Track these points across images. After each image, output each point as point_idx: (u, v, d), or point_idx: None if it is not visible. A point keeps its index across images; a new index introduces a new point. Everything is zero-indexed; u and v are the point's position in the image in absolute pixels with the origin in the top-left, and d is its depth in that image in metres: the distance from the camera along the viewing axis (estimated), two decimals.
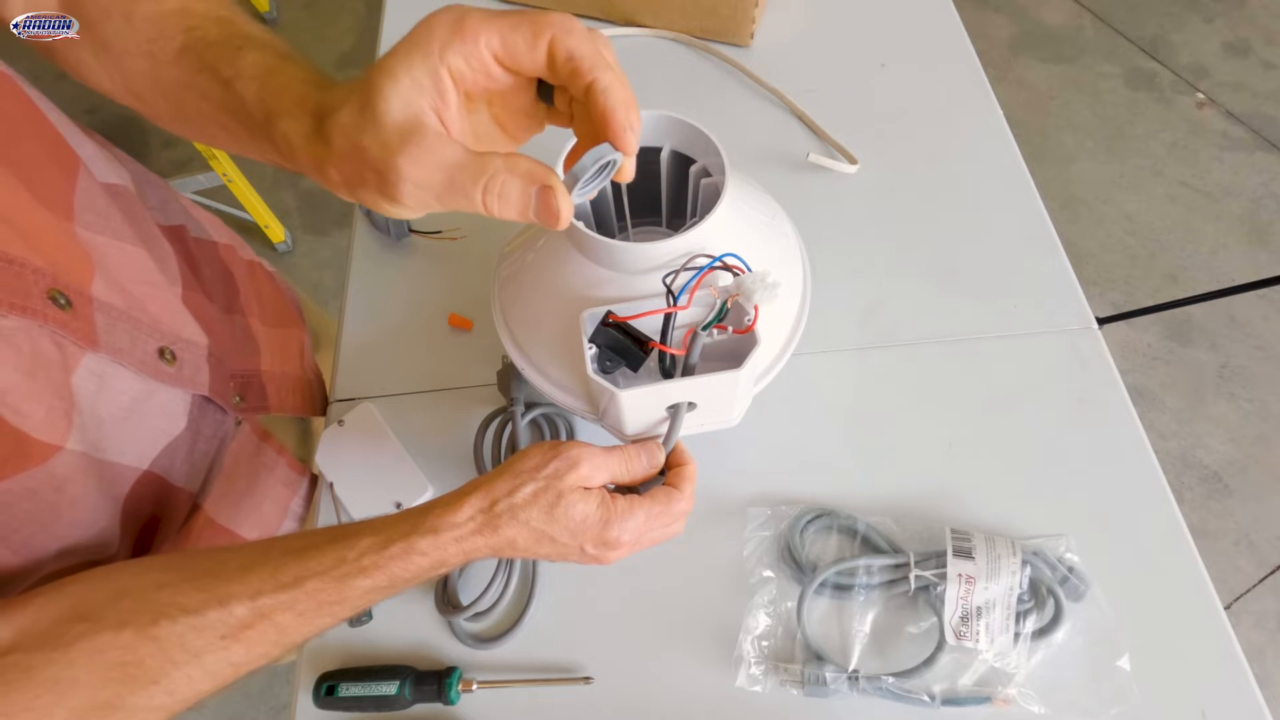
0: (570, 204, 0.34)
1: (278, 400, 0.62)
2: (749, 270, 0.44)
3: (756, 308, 0.45)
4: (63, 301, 0.39)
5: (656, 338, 0.45)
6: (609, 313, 0.46)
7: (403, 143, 0.32)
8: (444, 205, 0.33)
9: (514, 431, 0.60)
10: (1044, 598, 0.53)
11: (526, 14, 0.32)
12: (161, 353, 0.47)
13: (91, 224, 0.45)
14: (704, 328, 0.45)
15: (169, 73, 0.41)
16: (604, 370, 0.47)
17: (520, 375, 0.54)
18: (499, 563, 0.56)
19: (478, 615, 0.55)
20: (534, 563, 0.57)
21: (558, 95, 0.36)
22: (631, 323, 0.46)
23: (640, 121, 0.35)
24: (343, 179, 0.34)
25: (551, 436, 0.62)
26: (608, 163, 0.35)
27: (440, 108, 0.33)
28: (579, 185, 0.35)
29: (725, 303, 0.44)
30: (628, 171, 0.37)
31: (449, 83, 0.32)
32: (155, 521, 0.52)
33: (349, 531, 0.40)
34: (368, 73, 0.33)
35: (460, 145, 0.32)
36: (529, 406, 0.61)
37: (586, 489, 0.42)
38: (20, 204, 0.39)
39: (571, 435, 0.62)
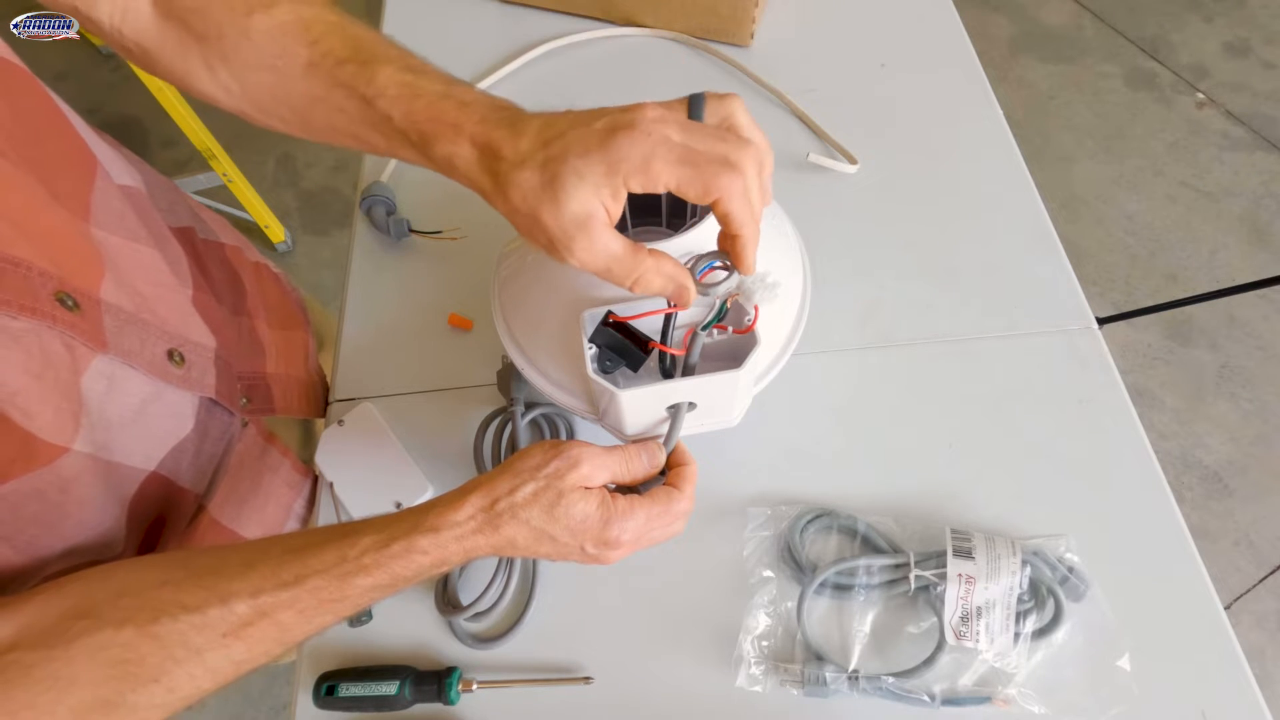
0: (694, 295, 0.42)
1: (283, 402, 0.62)
2: None
3: (756, 308, 0.45)
4: (70, 303, 0.39)
5: (656, 338, 0.45)
6: (609, 313, 0.46)
7: (577, 230, 0.37)
8: (596, 275, 0.39)
9: (514, 431, 0.60)
10: (1044, 598, 0.53)
11: (701, 169, 0.37)
12: (170, 355, 0.47)
13: (107, 224, 0.45)
14: (704, 328, 0.45)
15: (297, 87, 0.43)
16: (604, 370, 0.47)
17: (520, 375, 0.54)
18: (499, 562, 0.56)
19: (478, 615, 0.55)
20: (534, 562, 0.57)
21: None
22: (631, 323, 0.46)
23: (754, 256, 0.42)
24: (513, 222, 0.40)
25: (551, 436, 0.62)
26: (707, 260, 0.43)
27: (611, 208, 0.38)
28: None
29: (725, 303, 0.44)
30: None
31: (623, 194, 0.38)
32: (161, 522, 0.52)
33: (350, 530, 0.40)
34: (555, 155, 0.37)
35: (621, 240, 0.39)
36: (529, 406, 0.61)
37: (587, 489, 0.42)
38: (36, 204, 0.39)
39: (571, 435, 0.62)
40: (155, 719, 0.37)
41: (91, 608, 0.36)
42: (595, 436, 0.61)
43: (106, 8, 0.44)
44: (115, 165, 0.49)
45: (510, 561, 0.56)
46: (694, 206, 0.56)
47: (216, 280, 0.59)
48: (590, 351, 0.46)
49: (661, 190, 0.38)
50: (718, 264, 0.44)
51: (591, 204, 0.37)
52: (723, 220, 0.39)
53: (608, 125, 0.37)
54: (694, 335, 0.45)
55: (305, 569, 0.38)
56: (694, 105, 0.41)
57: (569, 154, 0.37)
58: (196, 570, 0.38)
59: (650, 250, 0.40)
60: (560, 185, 0.37)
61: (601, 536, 0.42)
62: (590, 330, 0.46)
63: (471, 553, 0.41)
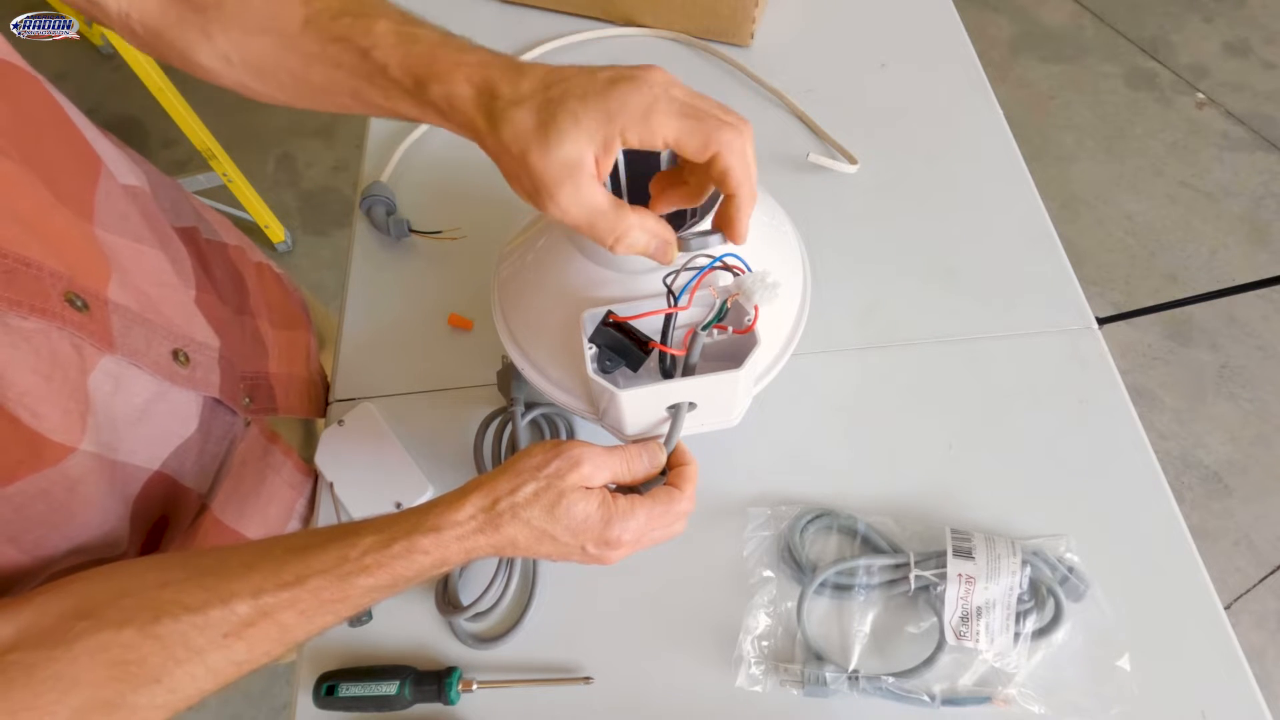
0: (676, 252, 0.42)
1: (285, 402, 0.62)
2: (749, 270, 0.44)
3: (756, 308, 0.45)
4: (79, 304, 0.39)
5: (656, 338, 0.45)
6: (609, 313, 0.46)
7: (563, 175, 0.37)
8: (577, 229, 0.39)
9: (514, 431, 0.60)
10: (1044, 598, 0.53)
11: (703, 121, 0.37)
12: (175, 354, 0.47)
13: (111, 225, 0.45)
14: (704, 328, 0.45)
15: (295, 45, 0.43)
16: (604, 370, 0.47)
17: (520, 375, 0.54)
18: (499, 563, 0.56)
19: (478, 615, 0.55)
20: (534, 563, 0.57)
21: (690, 172, 0.42)
22: (632, 323, 0.46)
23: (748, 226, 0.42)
24: (500, 164, 0.39)
25: (551, 436, 0.62)
26: (707, 260, 0.43)
27: (602, 159, 0.38)
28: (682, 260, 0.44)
29: (725, 303, 0.44)
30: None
31: (617, 145, 0.37)
32: (164, 522, 0.52)
33: (351, 530, 0.40)
34: (554, 97, 0.37)
35: (606, 194, 0.38)
36: (529, 406, 0.61)
37: (588, 489, 0.42)
38: (42, 205, 0.39)
39: (571, 435, 0.62)
40: (156, 719, 0.37)
41: (93, 608, 0.36)
42: (595, 436, 0.61)
43: None
44: (119, 165, 0.49)
45: (510, 562, 0.56)
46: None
47: (220, 280, 0.59)
48: (590, 351, 0.46)
49: (660, 146, 0.37)
50: (717, 264, 0.44)
51: (583, 150, 0.37)
52: (720, 178, 0.39)
53: (612, 75, 0.37)
54: (694, 335, 0.45)
55: (306, 569, 0.38)
56: None
57: (568, 97, 0.37)
58: (197, 570, 0.38)
59: (634, 207, 0.39)
60: (555, 126, 0.36)
61: (602, 536, 0.42)
62: (590, 330, 0.46)
63: (472, 552, 0.41)
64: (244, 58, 0.45)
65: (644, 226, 0.39)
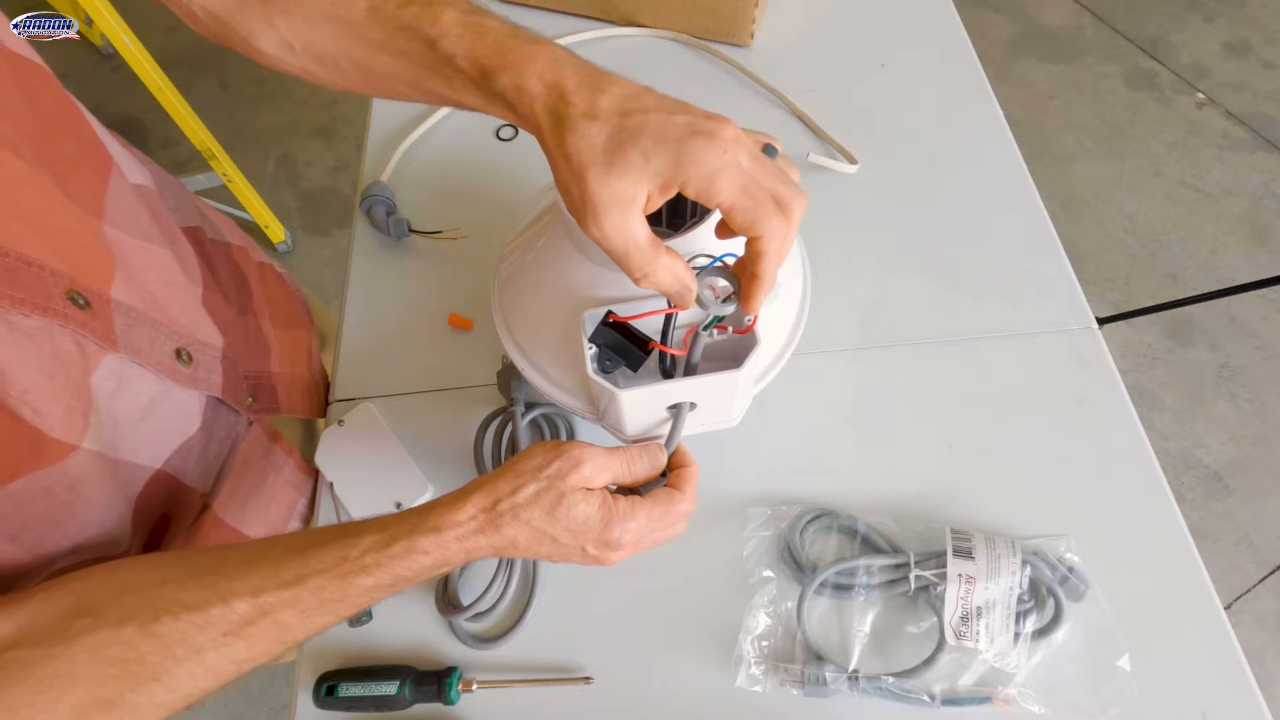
0: (694, 301, 0.42)
1: (287, 402, 0.62)
2: None
3: None
4: (81, 302, 0.39)
5: (656, 338, 0.45)
6: (609, 313, 0.46)
7: (614, 204, 0.37)
8: (609, 254, 0.39)
9: (514, 431, 0.60)
10: (1044, 598, 0.53)
11: (759, 205, 0.38)
12: (179, 354, 0.47)
13: (120, 223, 0.45)
14: (704, 328, 0.45)
15: (359, 33, 0.43)
16: (604, 370, 0.47)
17: (520, 375, 0.54)
18: (499, 563, 0.56)
19: (478, 615, 0.55)
20: (534, 563, 0.57)
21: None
22: (632, 323, 0.46)
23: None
24: (553, 165, 0.39)
25: (552, 436, 0.62)
26: (716, 316, 0.44)
27: (655, 198, 0.38)
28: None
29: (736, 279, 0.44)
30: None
31: (673, 193, 0.38)
32: (166, 521, 0.52)
33: (351, 530, 0.40)
34: (630, 127, 0.37)
35: (647, 230, 0.39)
36: (529, 406, 0.61)
37: (588, 490, 0.42)
38: (51, 203, 0.40)
39: (572, 435, 0.62)
40: (155, 717, 0.37)
41: (92, 606, 0.36)
42: (595, 437, 0.61)
43: None
44: (128, 164, 0.49)
45: (510, 562, 0.56)
46: (694, 207, 0.56)
47: (224, 280, 0.59)
48: (590, 351, 0.46)
49: (712, 206, 0.38)
50: (717, 264, 0.44)
51: (640, 188, 0.37)
52: (753, 256, 0.40)
53: (689, 125, 0.37)
54: (694, 335, 0.45)
55: (306, 568, 0.38)
56: (767, 152, 0.41)
57: (644, 132, 0.37)
58: (197, 569, 0.38)
59: (668, 249, 0.40)
60: (623, 157, 0.36)
61: (602, 538, 0.42)
62: (590, 330, 0.46)
63: (473, 553, 0.41)
64: (306, 45, 0.44)
65: (673, 270, 0.40)
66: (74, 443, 0.40)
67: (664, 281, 0.40)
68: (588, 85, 0.38)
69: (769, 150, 0.41)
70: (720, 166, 0.36)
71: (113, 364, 0.42)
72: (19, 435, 0.37)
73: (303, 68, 0.46)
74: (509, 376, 0.61)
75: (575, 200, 0.38)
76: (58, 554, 0.43)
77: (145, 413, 0.45)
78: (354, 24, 0.42)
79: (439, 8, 0.41)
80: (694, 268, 0.44)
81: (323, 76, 0.46)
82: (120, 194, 0.46)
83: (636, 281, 0.40)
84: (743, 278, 0.42)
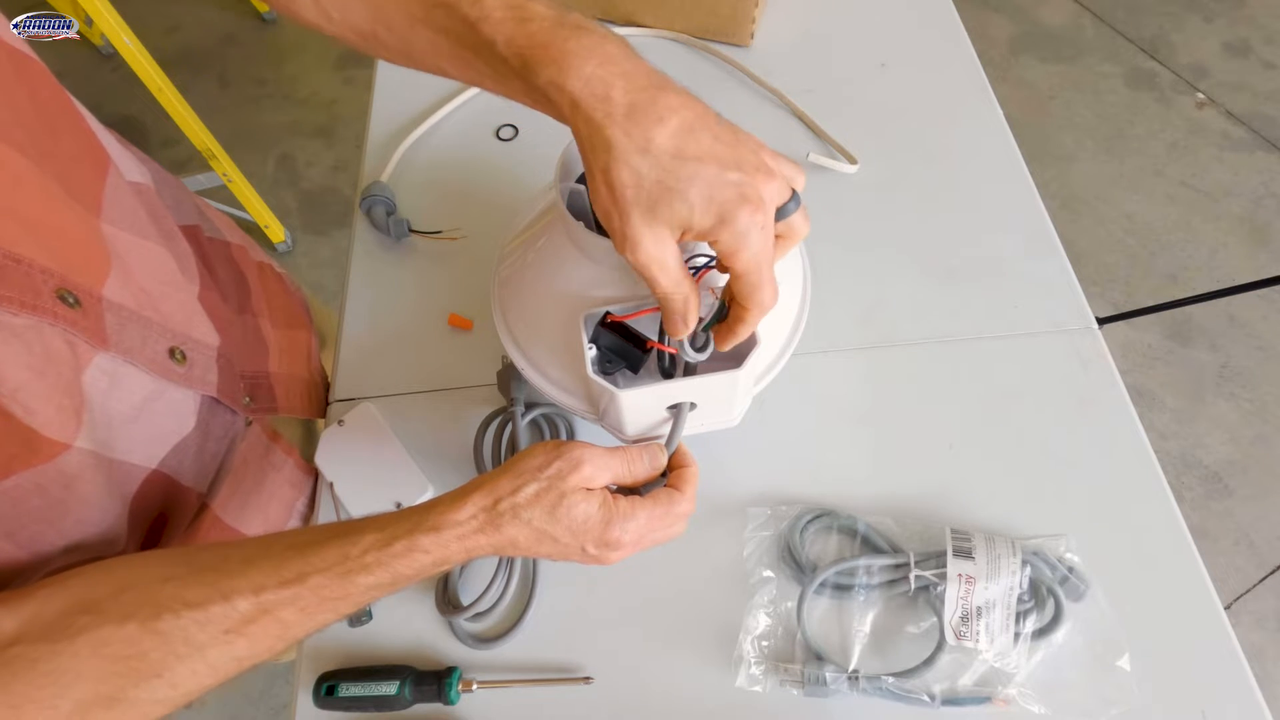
0: (691, 326, 0.43)
1: (286, 402, 0.62)
2: None
3: None
4: (71, 300, 0.39)
5: (656, 338, 0.45)
6: (608, 313, 0.46)
7: (654, 243, 0.38)
8: (634, 269, 0.39)
9: (514, 431, 0.60)
10: (1044, 598, 0.53)
11: (765, 280, 0.40)
12: (172, 353, 0.47)
13: (117, 220, 0.45)
14: (704, 328, 0.45)
15: (400, 10, 0.42)
16: (604, 370, 0.47)
17: (520, 375, 0.54)
18: (499, 563, 0.56)
19: (478, 615, 0.55)
20: (534, 563, 0.57)
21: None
22: (631, 323, 0.46)
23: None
24: (590, 178, 0.38)
25: (552, 437, 0.62)
26: (706, 260, 0.45)
27: (687, 236, 0.39)
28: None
29: (725, 302, 0.44)
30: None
31: (700, 239, 0.39)
32: (163, 520, 0.52)
33: (352, 528, 0.40)
34: (684, 175, 0.36)
35: (678, 258, 0.39)
36: (529, 406, 0.61)
37: (589, 490, 0.42)
38: (45, 200, 0.39)
39: (572, 435, 0.62)
40: (157, 714, 0.37)
41: (94, 603, 0.36)
42: (595, 437, 0.61)
43: None
44: (126, 162, 0.49)
45: (510, 561, 0.56)
46: None
47: (222, 278, 0.59)
48: (590, 352, 0.46)
49: (723, 262, 0.39)
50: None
51: (679, 231, 0.38)
52: (738, 314, 0.42)
53: (739, 191, 0.37)
54: (694, 335, 0.45)
55: (307, 566, 0.38)
56: (793, 200, 0.41)
57: (694, 187, 0.36)
58: (199, 566, 0.38)
59: (691, 279, 0.41)
60: (668, 206, 0.37)
61: (603, 537, 0.42)
62: (590, 330, 0.46)
63: (473, 552, 0.41)
64: (345, 16, 0.43)
65: (687, 300, 0.41)
66: (67, 441, 0.40)
67: (676, 306, 0.41)
68: (642, 109, 0.36)
69: (794, 198, 0.41)
70: (750, 241, 0.38)
71: (104, 363, 0.42)
72: (10, 433, 0.37)
73: (342, 36, 0.45)
74: (509, 376, 0.61)
75: (614, 227, 0.38)
76: (53, 552, 0.43)
77: (139, 412, 0.45)
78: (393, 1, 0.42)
79: None
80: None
81: (363, 46, 0.45)
82: (118, 191, 0.46)
83: (650, 297, 0.40)
84: (729, 309, 0.43)
